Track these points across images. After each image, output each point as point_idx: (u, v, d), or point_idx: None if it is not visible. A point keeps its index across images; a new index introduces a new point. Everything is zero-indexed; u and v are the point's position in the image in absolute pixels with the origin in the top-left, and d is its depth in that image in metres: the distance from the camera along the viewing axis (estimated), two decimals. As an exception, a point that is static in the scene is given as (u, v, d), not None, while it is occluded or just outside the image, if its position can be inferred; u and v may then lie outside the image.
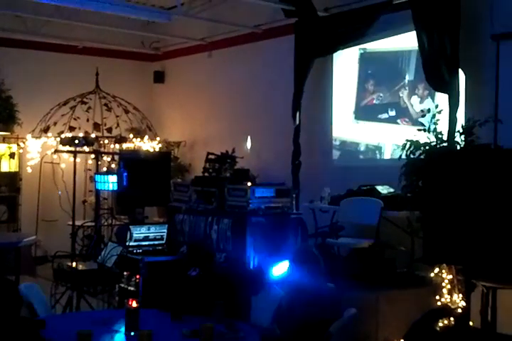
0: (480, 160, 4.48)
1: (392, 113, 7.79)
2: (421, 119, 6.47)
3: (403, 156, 6.15)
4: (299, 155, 8.28)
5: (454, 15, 6.47)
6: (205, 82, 10.32)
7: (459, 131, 6.14)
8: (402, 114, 7.65)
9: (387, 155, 7.89)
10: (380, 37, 7.64)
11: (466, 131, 5.97)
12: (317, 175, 8.10)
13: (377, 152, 8.05)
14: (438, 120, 6.09)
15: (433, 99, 7.17)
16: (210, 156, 8.01)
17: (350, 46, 7.92)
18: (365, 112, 8.19)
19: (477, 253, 4.35)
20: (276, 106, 8.78)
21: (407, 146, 6.13)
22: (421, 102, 7.41)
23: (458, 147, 6.05)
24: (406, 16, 6.94)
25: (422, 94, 7.42)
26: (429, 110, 6.34)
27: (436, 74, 6.69)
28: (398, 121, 7.72)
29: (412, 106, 7.56)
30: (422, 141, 6.03)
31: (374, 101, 8.05)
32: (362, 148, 8.28)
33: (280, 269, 5.86)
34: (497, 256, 4.30)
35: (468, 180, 4.40)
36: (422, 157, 5.96)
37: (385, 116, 7.92)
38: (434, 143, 6.03)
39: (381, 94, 7.95)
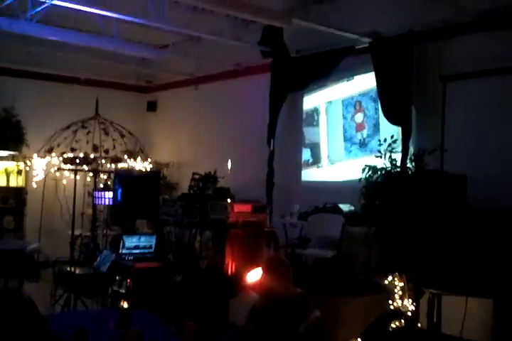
0: (428, 184, 4.56)
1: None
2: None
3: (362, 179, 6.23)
4: (272, 176, 8.30)
5: (407, 59, 6.59)
6: (192, 112, 10.34)
7: (411, 158, 6.24)
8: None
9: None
10: (344, 76, 7.76)
11: (417, 158, 6.06)
12: (288, 194, 8.12)
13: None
14: (393, 148, 6.18)
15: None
16: (195, 176, 8.02)
17: (319, 83, 8.02)
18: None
19: (425, 264, 4.42)
20: (253, 134, 8.80)
21: (366, 170, 6.21)
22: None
23: (410, 172, 6.14)
24: (366, 59, 7.09)
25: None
26: (385, 140, 6.44)
27: (391, 110, 6.80)
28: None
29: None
30: (379, 166, 6.11)
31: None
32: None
33: (254, 275, 5.86)
34: (442, 267, 4.36)
35: (418, 200, 4.48)
36: (378, 180, 6.05)
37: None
38: (389, 168, 6.11)
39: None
